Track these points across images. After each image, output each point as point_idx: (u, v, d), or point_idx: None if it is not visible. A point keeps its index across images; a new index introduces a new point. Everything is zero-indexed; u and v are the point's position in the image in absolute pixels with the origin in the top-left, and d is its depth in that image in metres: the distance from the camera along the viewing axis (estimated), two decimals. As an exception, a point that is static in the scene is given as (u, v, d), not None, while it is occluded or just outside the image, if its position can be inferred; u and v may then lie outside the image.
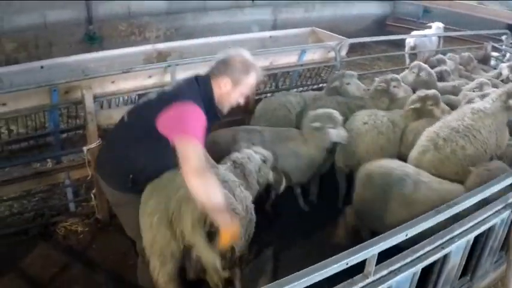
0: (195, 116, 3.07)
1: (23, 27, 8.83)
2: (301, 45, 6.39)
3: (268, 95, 6.41)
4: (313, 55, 6.38)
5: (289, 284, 1.93)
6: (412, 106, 5.01)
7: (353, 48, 11.41)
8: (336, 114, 4.76)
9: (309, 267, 2.05)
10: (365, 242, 2.21)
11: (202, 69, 5.23)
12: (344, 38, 6.58)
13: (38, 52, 8.91)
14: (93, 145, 4.74)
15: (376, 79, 5.83)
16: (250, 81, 3.31)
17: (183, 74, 5.20)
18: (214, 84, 3.30)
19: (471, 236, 2.66)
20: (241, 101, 3.41)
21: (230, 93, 3.30)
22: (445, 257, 2.65)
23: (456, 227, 2.57)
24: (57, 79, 4.75)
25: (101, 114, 4.77)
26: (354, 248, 2.18)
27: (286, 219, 5.26)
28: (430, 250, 2.43)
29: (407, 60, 9.62)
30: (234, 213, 3.10)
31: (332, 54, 6.41)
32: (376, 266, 2.27)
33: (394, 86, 5.53)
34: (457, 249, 2.63)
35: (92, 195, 5.08)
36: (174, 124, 3.05)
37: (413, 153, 4.53)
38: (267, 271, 4.52)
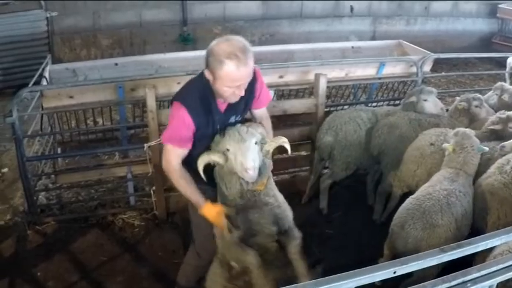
0: (174, 120, 3.17)
1: (119, 24, 9.29)
2: (380, 58, 6.11)
3: (346, 107, 6.23)
4: (393, 69, 6.09)
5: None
6: (492, 127, 4.65)
7: (455, 66, 10.97)
8: None
9: None
10: (343, 273, 2.02)
11: (269, 76, 5.39)
12: (429, 53, 6.22)
13: (132, 49, 9.33)
14: (153, 142, 4.81)
15: (457, 98, 5.47)
16: (225, 73, 2.90)
17: (250, 79, 5.24)
18: None
19: (493, 282, 2.30)
20: (239, 93, 3.06)
21: (214, 84, 3.03)
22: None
23: (473, 270, 2.21)
24: (132, 77, 4.97)
25: (162, 113, 4.86)
26: (323, 278, 2.00)
27: (344, 237, 5.08)
28: (431, 294, 2.16)
29: (508, 81, 8.92)
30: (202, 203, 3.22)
31: (415, 69, 6.07)
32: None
33: (476, 106, 5.15)
34: (471, 296, 2.30)
35: (152, 192, 5.23)
36: None
37: (482, 177, 4.18)
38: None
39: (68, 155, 5.61)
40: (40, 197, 5.49)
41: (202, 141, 3.26)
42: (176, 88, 4.99)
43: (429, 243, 3.57)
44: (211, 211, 3.19)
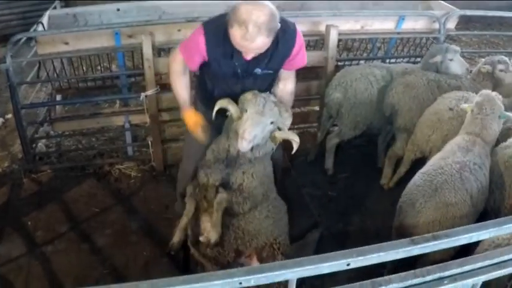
0: (191, 39, 3.24)
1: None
2: (398, 11, 5.67)
3: (362, 62, 5.89)
4: (414, 23, 5.65)
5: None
6: None
7: (489, 25, 10.28)
8: None
9: (190, 275, 1.67)
10: (283, 261, 1.77)
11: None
12: (454, 8, 5.76)
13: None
14: (149, 92, 4.69)
15: (482, 59, 5.08)
16: (231, 34, 2.93)
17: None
18: None
19: (476, 281, 1.98)
20: (246, 55, 3.06)
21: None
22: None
23: (452, 265, 1.93)
24: (130, 23, 4.76)
25: (160, 61, 4.66)
26: (257, 265, 1.77)
27: (347, 201, 4.87)
28: (399, 288, 1.87)
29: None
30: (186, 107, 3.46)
31: (437, 25, 5.64)
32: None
33: (501, 70, 4.77)
34: (449, 294, 1.98)
35: (149, 142, 5.07)
36: None
37: (501, 145, 3.93)
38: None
39: (62, 102, 5.46)
40: (40, 144, 5.41)
41: (221, 78, 3.34)
42: (177, 36, 4.85)
43: (443, 224, 3.31)
44: (192, 117, 3.42)
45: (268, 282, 1.73)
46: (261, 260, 3.41)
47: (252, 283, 1.69)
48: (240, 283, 1.66)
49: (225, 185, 3.33)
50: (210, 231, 3.28)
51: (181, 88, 3.43)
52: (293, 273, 1.73)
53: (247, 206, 3.34)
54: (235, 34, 2.89)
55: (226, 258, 3.37)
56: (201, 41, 3.12)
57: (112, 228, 4.37)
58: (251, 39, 2.87)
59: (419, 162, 4.43)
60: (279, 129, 3.29)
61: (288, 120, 3.33)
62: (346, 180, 5.15)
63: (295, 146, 3.24)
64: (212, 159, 3.36)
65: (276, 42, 3.10)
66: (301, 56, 3.38)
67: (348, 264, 1.80)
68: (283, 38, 3.15)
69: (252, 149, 3.21)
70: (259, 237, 3.43)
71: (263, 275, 1.69)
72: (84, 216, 4.50)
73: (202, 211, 3.41)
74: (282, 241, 3.49)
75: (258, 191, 3.37)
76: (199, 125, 3.40)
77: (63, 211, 4.56)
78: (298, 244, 4.12)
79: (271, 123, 3.18)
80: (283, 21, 3.12)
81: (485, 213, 3.65)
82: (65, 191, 4.80)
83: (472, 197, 3.41)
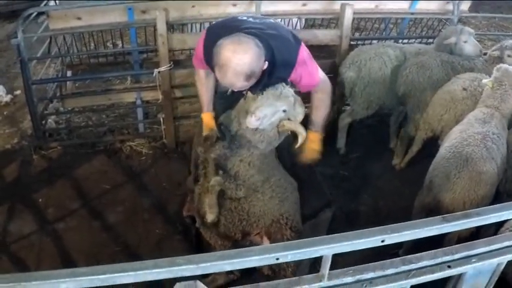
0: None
1: None
2: (414, -9, 5.58)
3: (375, 41, 5.81)
4: (428, 4, 5.58)
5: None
6: None
7: (499, 8, 10.14)
8: None
9: (228, 251, 1.66)
10: (317, 238, 1.76)
11: (292, 3, 5.00)
12: (469, -10, 5.68)
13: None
14: (162, 68, 4.65)
15: (491, 42, 5.04)
16: (216, 75, 2.97)
17: (270, 6, 4.92)
18: None
19: (502, 260, 1.99)
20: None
21: None
22: (459, 279, 2.06)
23: (479, 244, 1.96)
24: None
25: (174, 37, 4.62)
26: (293, 241, 1.75)
27: (359, 180, 4.86)
28: (429, 266, 1.90)
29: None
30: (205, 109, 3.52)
31: (451, 6, 5.57)
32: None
33: (509, 56, 4.71)
34: (477, 272, 2.01)
35: (161, 119, 5.04)
36: None
37: None
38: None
39: (73, 78, 5.39)
40: (50, 120, 5.36)
41: None
42: (191, 12, 4.78)
43: (478, 192, 3.38)
44: (209, 120, 3.46)
45: (304, 257, 1.71)
46: (270, 237, 3.48)
47: (289, 259, 1.67)
48: (277, 258, 1.64)
49: (223, 167, 3.36)
50: (206, 212, 3.36)
51: (203, 91, 3.50)
52: (329, 249, 1.71)
53: (241, 193, 3.38)
54: (216, 74, 2.95)
55: (234, 237, 3.46)
56: (200, 45, 3.18)
57: (123, 206, 4.36)
58: (229, 84, 2.95)
59: (430, 143, 4.45)
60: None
61: (300, 115, 3.28)
62: (358, 160, 5.13)
63: (301, 140, 3.23)
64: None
65: (272, 63, 3.03)
66: (306, 79, 3.28)
67: (383, 241, 1.79)
68: (281, 60, 3.08)
69: (256, 129, 3.20)
70: (265, 217, 3.47)
71: (300, 250, 1.67)
72: (95, 193, 4.48)
73: (204, 192, 3.44)
74: (289, 216, 3.51)
75: (256, 178, 3.40)
76: (209, 129, 3.43)
77: (74, 188, 4.54)
78: (310, 223, 4.08)
79: (284, 111, 3.19)
80: (286, 40, 3.13)
81: (497, 194, 3.66)
82: (75, 168, 4.76)
83: (497, 165, 3.49)
